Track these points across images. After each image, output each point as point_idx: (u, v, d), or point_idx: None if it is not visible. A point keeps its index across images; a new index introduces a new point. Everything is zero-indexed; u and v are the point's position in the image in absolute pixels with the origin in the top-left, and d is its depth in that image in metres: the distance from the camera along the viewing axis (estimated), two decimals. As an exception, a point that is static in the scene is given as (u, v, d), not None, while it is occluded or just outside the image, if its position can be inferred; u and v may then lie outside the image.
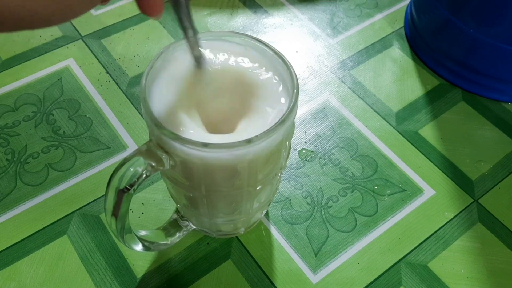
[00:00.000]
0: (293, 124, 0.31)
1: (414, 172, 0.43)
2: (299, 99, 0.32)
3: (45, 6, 0.19)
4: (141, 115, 0.46)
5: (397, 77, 0.50)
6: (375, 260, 0.38)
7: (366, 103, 0.48)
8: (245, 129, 0.28)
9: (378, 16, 0.56)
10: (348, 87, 0.49)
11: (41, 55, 0.51)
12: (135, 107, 0.47)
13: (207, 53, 0.31)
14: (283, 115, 0.27)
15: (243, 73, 0.31)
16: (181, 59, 0.31)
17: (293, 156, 0.44)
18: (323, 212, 0.40)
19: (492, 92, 0.49)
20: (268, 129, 0.26)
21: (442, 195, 0.42)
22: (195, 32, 0.27)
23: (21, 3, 0.18)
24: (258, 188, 0.31)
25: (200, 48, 0.29)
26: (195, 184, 0.30)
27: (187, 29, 0.27)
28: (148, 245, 0.33)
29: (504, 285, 0.37)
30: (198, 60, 0.29)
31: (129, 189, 0.26)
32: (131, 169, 0.26)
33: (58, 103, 0.47)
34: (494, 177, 0.43)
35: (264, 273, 0.37)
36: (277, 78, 0.31)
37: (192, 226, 0.37)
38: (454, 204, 0.41)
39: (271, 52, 0.30)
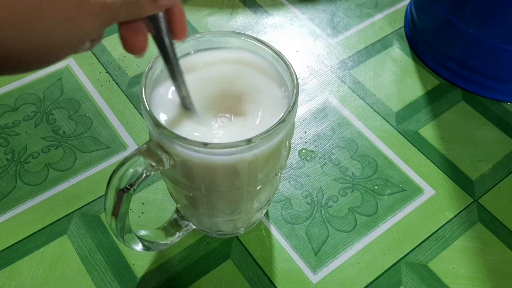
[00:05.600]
0: (293, 124, 0.31)
1: (414, 172, 0.43)
2: (299, 99, 0.32)
3: (22, 51, 0.18)
4: (141, 115, 0.46)
5: (397, 77, 0.50)
6: (375, 260, 0.38)
7: (366, 103, 0.48)
8: (244, 129, 0.28)
9: (378, 16, 0.56)
10: (348, 87, 0.49)
11: (41, 55, 0.51)
12: (135, 107, 0.47)
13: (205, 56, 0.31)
14: (283, 115, 0.27)
15: (244, 73, 0.31)
16: (181, 59, 0.31)
17: (293, 156, 0.44)
18: (323, 212, 0.40)
19: (492, 92, 0.49)
20: (268, 129, 0.26)
21: (442, 195, 0.42)
22: (181, 71, 0.27)
23: None
24: (258, 188, 0.31)
25: (186, 87, 0.28)
26: (195, 184, 0.30)
27: (173, 68, 0.26)
28: (148, 245, 0.33)
29: (504, 285, 0.37)
30: (184, 101, 0.28)
31: (129, 189, 0.26)
32: (131, 169, 0.26)
33: (58, 103, 0.47)
34: (494, 177, 0.43)
35: (264, 273, 0.37)
36: (277, 78, 0.31)
37: (192, 226, 0.37)
38: (454, 204, 0.41)
39: (271, 52, 0.30)
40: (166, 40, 0.25)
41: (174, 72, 0.27)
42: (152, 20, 0.23)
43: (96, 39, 0.22)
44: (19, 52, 0.18)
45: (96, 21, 0.20)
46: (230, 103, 0.30)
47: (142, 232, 0.33)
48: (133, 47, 0.23)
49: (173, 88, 0.30)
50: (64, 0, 0.18)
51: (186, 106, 0.28)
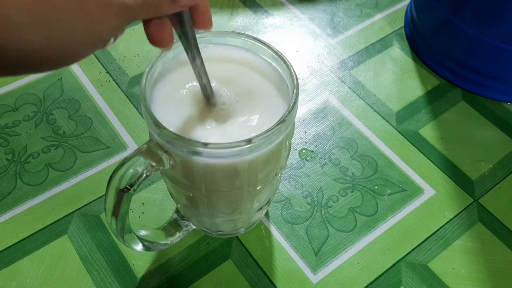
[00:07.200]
0: (293, 124, 0.31)
1: (414, 172, 0.43)
2: (299, 99, 0.32)
3: (48, 50, 0.19)
4: (141, 115, 0.46)
5: (397, 77, 0.50)
6: (375, 260, 0.38)
7: (366, 103, 0.48)
8: (245, 129, 0.28)
9: (378, 16, 0.56)
10: (348, 87, 0.49)
11: (41, 55, 0.51)
12: (135, 107, 0.47)
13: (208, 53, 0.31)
14: (283, 115, 0.27)
15: (244, 73, 0.31)
16: (181, 59, 0.31)
17: (293, 156, 0.44)
18: (323, 212, 0.40)
19: (492, 92, 0.49)
20: (268, 129, 0.26)
21: (442, 195, 0.42)
22: (202, 61, 0.27)
23: (27, 47, 0.18)
24: (258, 188, 0.31)
25: (207, 76, 0.28)
26: (195, 184, 0.30)
27: (195, 59, 0.27)
28: (148, 245, 0.33)
29: (504, 285, 0.37)
30: (205, 89, 0.29)
31: (129, 189, 0.26)
32: (131, 169, 0.26)
33: (58, 103, 0.47)
34: (494, 177, 0.43)
35: (264, 273, 0.37)
36: (277, 78, 0.31)
37: (192, 226, 0.37)
38: (454, 204, 0.41)
39: (271, 52, 0.30)
40: (190, 34, 0.25)
41: (195, 62, 0.27)
42: (176, 15, 0.24)
43: (119, 35, 0.23)
44: (45, 52, 0.19)
45: (118, 21, 0.21)
46: (230, 103, 0.30)
47: (142, 232, 0.33)
48: (159, 42, 0.24)
49: (173, 87, 0.30)
50: (89, 2, 0.19)
51: (207, 94, 0.29)
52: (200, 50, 0.28)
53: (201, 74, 0.28)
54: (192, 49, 0.26)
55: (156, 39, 0.24)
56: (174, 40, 0.25)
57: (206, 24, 0.25)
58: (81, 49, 0.20)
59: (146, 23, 0.23)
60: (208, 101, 0.29)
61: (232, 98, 0.30)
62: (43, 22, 0.18)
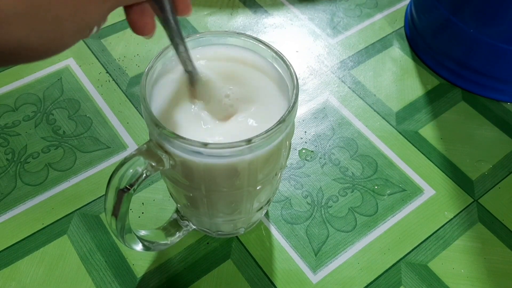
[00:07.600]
0: (293, 124, 0.31)
1: (414, 172, 0.43)
2: (299, 99, 0.32)
3: (37, 40, 0.19)
4: (141, 115, 0.46)
5: (397, 77, 0.50)
6: (375, 260, 0.38)
7: (366, 103, 0.48)
8: (245, 129, 0.28)
9: (378, 16, 0.56)
10: (348, 87, 0.49)
11: (41, 55, 0.51)
12: (135, 107, 0.47)
13: (203, 58, 0.31)
14: (283, 115, 0.27)
15: (244, 74, 0.31)
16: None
17: (293, 156, 0.44)
18: (323, 212, 0.40)
19: (492, 92, 0.49)
20: (268, 129, 0.26)
21: (442, 195, 0.42)
22: (186, 47, 0.27)
23: (17, 38, 0.18)
24: (258, 188, 0.31)
25: (192, 63, 0.28)
26: (195, 184, 0.30)
27: (178, 45, 0.27)
28: (148, 245, 0.33)
29: (504, 285, 0.37)
30: (191, 75, 0.29)
31: (129, 189, 0.26)
32: (131, 169, 0.26)
33: (58, 103, 0.47)
34: (494, 177, 0.43)
35: (264, 273, 0.37)
36: (277, 78, 0.31)
37: (192, 226, 0.37)
38: (454, 204, 0.41)
39: (271, 52, 0.30)
40: (171, 19, 0.25)
41: (179, 49, 0.27)
42: (157, 1, 0.24)
43: (102, 23, 0.23)
44: (34, 43, 0.19)
45: (103, 8, 0.21)
46: (230, 104, 0.30)
47: (142, 232, 0.33)
48: (141, 29, 0.24)
49: (173, 87, 0.30)
50: None
51: (192, 81, 0.29)
52: (200, 50, 0.28)
53: (185, 60, 0.28)
54: (175, 36, 0.26)
55: (138, 27, 0.24)
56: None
57: (186, 9, 0.26)
58: (70, 39, 0.20)
59: (128, 11, 0.23)
60: (192, 85, 0.29)
61: (232, 98, 0.30)
62: (32, 14, 0.18)
